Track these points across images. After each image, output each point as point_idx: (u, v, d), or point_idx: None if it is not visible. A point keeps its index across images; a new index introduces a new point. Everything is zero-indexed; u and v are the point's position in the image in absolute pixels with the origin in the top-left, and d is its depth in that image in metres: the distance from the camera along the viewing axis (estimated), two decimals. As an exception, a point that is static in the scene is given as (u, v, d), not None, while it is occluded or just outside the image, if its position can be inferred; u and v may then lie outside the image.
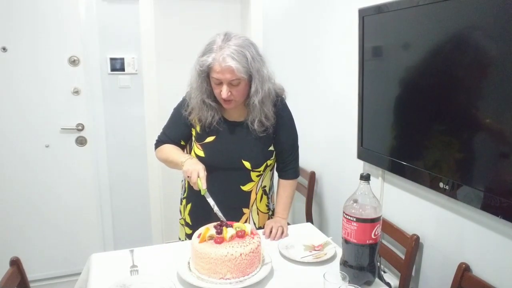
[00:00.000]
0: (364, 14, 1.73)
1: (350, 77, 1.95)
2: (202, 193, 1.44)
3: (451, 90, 1.35)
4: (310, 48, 2.41)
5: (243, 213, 1.62)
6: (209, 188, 1.45)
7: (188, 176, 1.45)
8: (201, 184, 1.42)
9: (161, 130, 1.69)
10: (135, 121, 2.85)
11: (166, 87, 2.83)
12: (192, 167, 1.45)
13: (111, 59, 2.73)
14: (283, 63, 2.73)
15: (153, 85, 2.84)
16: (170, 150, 1.61)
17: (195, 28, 2.96)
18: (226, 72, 1.38)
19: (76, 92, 2.70)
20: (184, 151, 1.67)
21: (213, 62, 1.39)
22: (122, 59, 2.75)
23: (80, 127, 2.74)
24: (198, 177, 1.43)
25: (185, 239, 1.71)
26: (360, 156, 1.90)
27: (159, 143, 1.68)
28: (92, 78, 2.70)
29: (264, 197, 1.67)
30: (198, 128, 1.59)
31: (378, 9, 1.64)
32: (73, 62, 2.67)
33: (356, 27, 1.79)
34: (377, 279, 1.23)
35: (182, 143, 1.66)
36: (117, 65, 2.75)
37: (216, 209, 1.42)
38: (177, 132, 1.64)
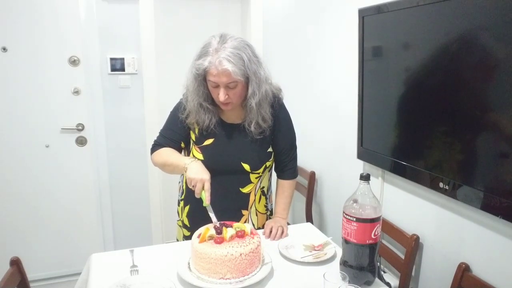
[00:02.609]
0: (364, 14, 1.73)
1: (350, 77, 1.95)
2: (204, 204, 1.40)
3: (451, 90, 1.35)
4: (310, 48, 2.41)
5: (242, 215, 1.62)
6: None
7: (192, 186, 1.40)
8: (205, 198, 1.38)
9: (158, 134, 1.64)
10: (135, 121, 2.85)
11: (166, 87, 2.83)
12: (199, 176, 1.39)
13: (111, 59, 2.73)
14: (283, 63, 2.73)
15: (153, 85, 2.84)
16: (169, 153, 1.56)
17: (195, 28, 2.97)
18: (223, 76, 1.36)
19: (76, 92, 2.70)
20: (181, 153, 1.65)
21: (209, 66, 1.37)
22: (122, 59, 2.75)
23: (80, 127, 2.74)
24: (203, 188, 1.38)
25: (183, 241, 1.69)
26: (360, 156, 1.90)
27: (156, 146, 1.61)
28: (92, 78, 2.70)
29: (263, 198, 1.67)
30: (196, 131, 1.57)
31: (378, 9, 1.64)
32: (73, 62, 2.67)
33: (356, 27, 1.79)
34: (377, 279, 1.23)
35: (182, 145, 1.62)
36: (117, 65, 2.75)
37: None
38: (176, 133, 1.60)
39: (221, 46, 1.36)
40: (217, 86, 1.41)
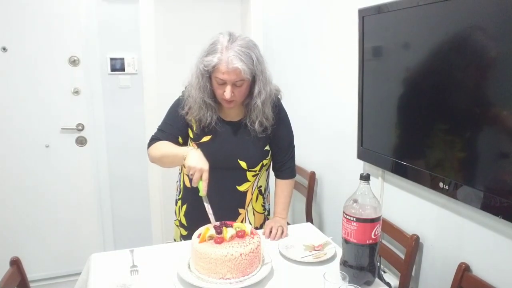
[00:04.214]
0: (364, 14, 1.73)
1: (350, 77, 1.95)
2: (200, 194, 1.39)
3: (451, 90, 1.35)
4: (310, 48, 2.41)
5: (239, 214, 1.62)
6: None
7: (191, 174, 1.38)
8: (202, 188, 1.37)
9: (156, 130, 1.62)
10: (135, 121, 2.85)
11: (166, 87, 2.83)
12: (198, 166, 1.36)
13: (111, 59, 2.73)
14: (283, 63, 2.73)
15: (153, 85, 2.84)
16: (167, 145, 1.53)
17: (195, 28, 2.97)
18: (233, 73, 1.37)
19: (76, 92, 2.70)
20: None
21: (219, 63, 1.37)
22: (122, 59, 2.75)
23: (80, 127, 2.74)
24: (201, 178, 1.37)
25: (180, 241, 1.69)
26: (360, 156, 1.90)
27: (154, 141, 1.59)
28: (92, 78, 2.70)
29: (260, 197, 1.67)
30: (194, 128, 1.57)
31: (378, 9, 1.64)
32: (73, 62, 2.67)
33: (356, 27, 1.79)
34: (377, 279, 1.23)
35: (180, 140, 1.60)
36: (117, 65, 2.75)
37: (212, 218, 1.36)
38: (175, 128, 1.58)
39: (230, 44, 1.37)
40: (223, 84, 1.41)
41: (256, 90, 1.46)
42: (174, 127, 1.59)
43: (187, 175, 1.41)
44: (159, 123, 1.65)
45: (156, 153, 1.55)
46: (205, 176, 1.37)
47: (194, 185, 1.38)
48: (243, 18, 3.12)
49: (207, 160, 1.49)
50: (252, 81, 1.45)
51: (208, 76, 1.45)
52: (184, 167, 1.44)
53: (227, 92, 1.40)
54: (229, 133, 1.57)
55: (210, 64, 1.38)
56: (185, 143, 1.64)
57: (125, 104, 2.82)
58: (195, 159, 1.38)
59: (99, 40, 2.68)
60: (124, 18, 2.72)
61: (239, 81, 1.40)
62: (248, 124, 1.53)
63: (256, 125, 1.52)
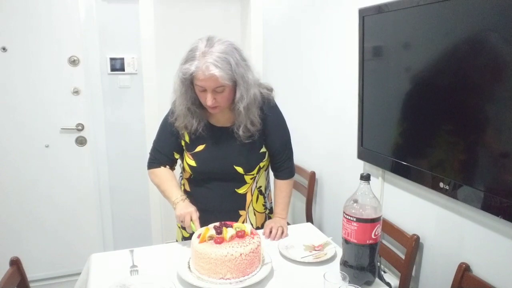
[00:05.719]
0: (364, 14, 1.73)
1: (350, 77, 1.95)
2: None
3: (451, 90, 1.35)
4: (310, 47, 2.41)
5: (240, 215, 1.62)
6: (205, 193, 1.43)
7: (181, 221, 1.46)
8: (195, 227, 1.42)
9: (152, 145, 1.64)
10: (135, 121, 2.85)
11: (166, 87, 2.81)
12: (185, 211, 1.45)
13: (111, 59, 2.73)
14: (283, 63, 2.73)
15: (153, 85, 2.84)
16: (164, 179, 1.58)
17: (195, 28, 2.96)
18: (210, 80, 1.35)
19: (76, 92, 2.70)
20: (176, 164, 1.65)
21: (196, 70, 1.35)
22: (122, 59, 2.75)
23: (80, 127, 2.74)
24: (191, 220, 1.44)
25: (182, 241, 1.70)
26: (360, 156, 1.90)
27: (152, 162, 1.62)
28: (92, 78, 2.70)
29: (260, 197, 1.66)
30: (187, 138, 1.56)
31: (378, 9, 1.64)
32: (73, 62, 2.67)
33: (356, 27, 1.79)
34: (377, 279, 1.23)
35: (176, 156, 1.61)
36: (117, 65, 2.75)
37: None
38: (168, 144, 1.59)
39: (208, 50, 1.35)
40: (204, 90, 1.39)
41: (237, 95, 1.43)
42: (167, 143, 1.59)
43: (180, 223, 1.52)
44: (157, 130, 1.65)
45: (153, 180, 1.63)
46: (194, 216, 1.45)
47: (188, 230, 1.46)
48: (243, 18, 3.12)
49: (203, 168, 1.53)
50: (234, 86, 1.43)
51: (189, 83, 1.43)
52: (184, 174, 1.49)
53: (208, 99, 1.39)
54: (222, 139, 1.54)
55: (188, 72, 1.36)
56: (181, 156, 1.63)
57: (125, 104, 2.82)
58: (181, 208, 1.47)
59: (99, 40, 2.68)
60: (124, 18, 2.72)
61: (219, 87, 1.37)
62: (235, 130, 1.51)
63: (241, 130, 1.49)
